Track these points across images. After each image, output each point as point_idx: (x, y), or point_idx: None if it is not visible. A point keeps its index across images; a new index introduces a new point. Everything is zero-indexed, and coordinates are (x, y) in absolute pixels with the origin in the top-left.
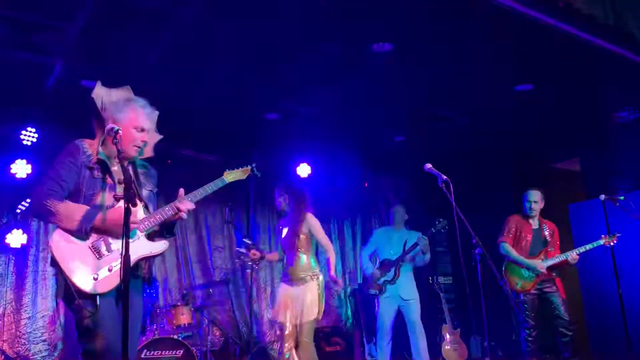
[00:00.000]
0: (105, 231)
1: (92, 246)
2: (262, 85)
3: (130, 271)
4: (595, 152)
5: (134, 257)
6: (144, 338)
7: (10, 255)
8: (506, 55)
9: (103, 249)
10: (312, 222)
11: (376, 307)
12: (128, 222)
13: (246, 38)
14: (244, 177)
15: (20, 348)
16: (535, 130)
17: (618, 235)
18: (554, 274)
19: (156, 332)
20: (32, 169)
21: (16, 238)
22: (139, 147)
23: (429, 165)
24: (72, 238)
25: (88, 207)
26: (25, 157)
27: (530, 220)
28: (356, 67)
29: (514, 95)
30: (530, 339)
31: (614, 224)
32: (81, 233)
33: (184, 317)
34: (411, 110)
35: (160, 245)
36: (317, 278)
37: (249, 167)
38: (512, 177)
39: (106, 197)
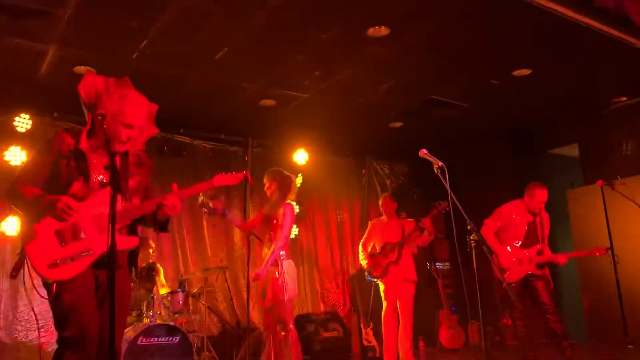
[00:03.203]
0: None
1: (57, 233)
2: (258, 71)
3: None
4: (593, 137)
5: (99, 250)
6: (140, 324)
7: (7, 243)
8: (504, 39)
9: (69, 236)
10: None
11: (381, 289)
12: (114, 211)
13: (242, 22)
14: (236, 183)
15: (17, 335)
16: (533, 116)
17: (608, 248)
18: (540, 271)
19: (152, 319)
20: (26, 155)
21: (12, 225)
22: (123, 142)
23: (424, 151)
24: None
25: (41, 195)
26: (19, 144)
27: (529, 212)
28: (353, 52)
29: (512, 80)
30: (520, 322)
31: (611, 209)
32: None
33: (181, 304)
34: (409, 95)
35: (131, 241)
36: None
37: (242, 174)
38: (510, 163)
39: (79, 188)
